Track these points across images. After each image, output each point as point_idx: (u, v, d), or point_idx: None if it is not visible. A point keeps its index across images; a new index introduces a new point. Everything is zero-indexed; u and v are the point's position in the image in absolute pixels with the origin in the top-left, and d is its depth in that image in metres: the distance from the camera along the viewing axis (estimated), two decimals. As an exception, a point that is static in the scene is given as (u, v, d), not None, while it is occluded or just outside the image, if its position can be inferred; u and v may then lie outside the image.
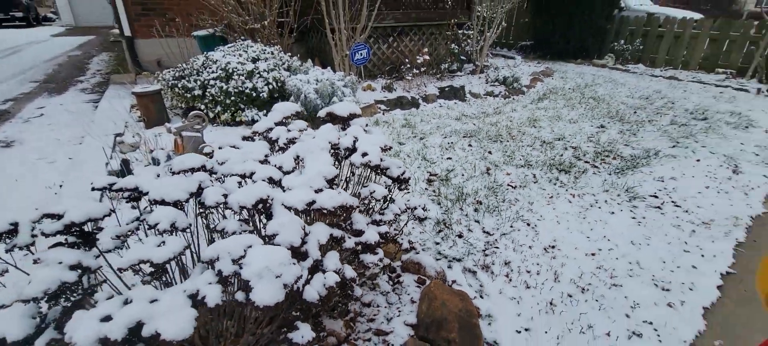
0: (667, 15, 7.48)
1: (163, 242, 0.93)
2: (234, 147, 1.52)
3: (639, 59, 7.40)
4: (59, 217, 0.95)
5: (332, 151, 1.50)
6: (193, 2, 5.73)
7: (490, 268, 1.96)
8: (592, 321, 1.67)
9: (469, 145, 3.42)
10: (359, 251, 1.38)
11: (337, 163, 1.55)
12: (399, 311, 1.67)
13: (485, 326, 1.64)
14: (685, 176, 3.00)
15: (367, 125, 1.77)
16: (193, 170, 1.22)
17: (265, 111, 3.62)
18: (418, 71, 5.26)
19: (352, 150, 1.52)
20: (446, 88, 5.02)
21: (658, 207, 2.56)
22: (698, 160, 3.29)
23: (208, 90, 3.53)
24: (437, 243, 2.10)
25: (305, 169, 1.33)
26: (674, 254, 2.11)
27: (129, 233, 1.15)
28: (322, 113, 1.76)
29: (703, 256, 2.10)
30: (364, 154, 1.47)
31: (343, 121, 1.73)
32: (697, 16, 7.51)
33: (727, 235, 2.28)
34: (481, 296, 1.79)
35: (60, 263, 0.86)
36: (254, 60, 3.72)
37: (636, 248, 2.15)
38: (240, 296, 0.92)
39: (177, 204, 1.04)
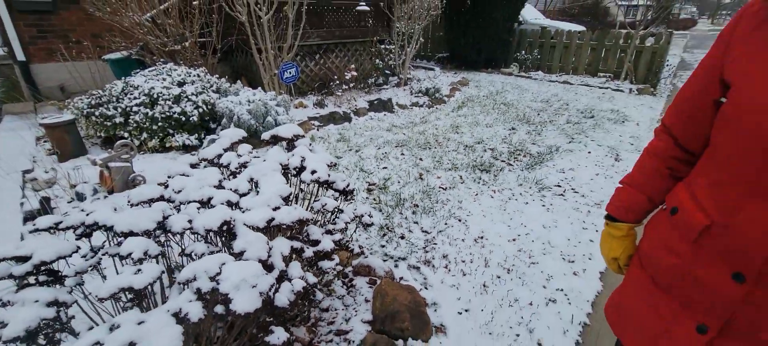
0: (557, 28, 8.65)
1: (140, 270, 1.00)
2: (184, 175, 1.57)
3: (538, 67, 8.44)
4: (26, 259, 0.95)
5: (283, 171, 1.62)
6: (101, 23, 5.34)
7: (431, 262, 2.21)
8: (518, 295, 1.98)
9: (402, 153, 3.70)
10: (317, 259, 1.52)
11: (288, 181, 1.68)
12: (355, 311, 1.83)
13: (432, 312, 1.87)
14: (580, 167, 3.57)
15: (310, 144, 1.92)
16: (152, 201, 1.27)
17: (196, 135, 3.55)
18: (347, 86, 5.47)
19: (302, 169, 1.65)
20: (375, 102, 5.30)
21: (562, 195, 3.05)
22: (589, 153, 3.93)
23: (131, 117, 3.36)
24: (383, 246, 2.30)
25: (261, 190, 1.44)
26: (576, 232, 2.55)
27: (90, 267, 1.17)
28: (266, 136, 1.86)
29: (597, 231, 2.57)
30: (313, 172, 1.62)
31: (288, 142, 1.85)
32: (581, 28, 8.80)
33: (612, 211, 2.80)
34: (426, 288, 2.02)
35: (36, 301, 0.89)
36: (180, 84, 3.63)
37: (547, 230, 2.56)
38: (219, 308, 1.02)
39: (146, 233, 1.09)
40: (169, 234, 1.20)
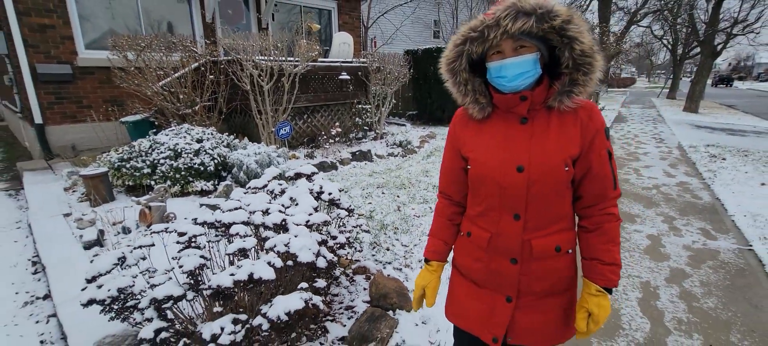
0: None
1: (244, 240, 1.74)
2: (240, 199, 2.32)
3: (495, 122, 9.73)
4: (183, 234, 1.69)
5: (310, 193, 2.41)
6: (111, 90, 6.10)
7: (410, 265, 2.98)
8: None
9: (382, 192, 4.53)
10: (337, 248, 2.28)
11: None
12: (357, 295, 2.56)
13: (411, 294, 2.61)
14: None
15: (321, 178, 2.72)
16: (234, 209, 2.02)
17: (212, 181, 4.26)
18: (332, 140, 6.37)
19: (321, 192, 2.45)
20: (357, 153, 6.20)
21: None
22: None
23: (158, 168, 4.06)
24: (374, 255, 3.06)
25: (299, 203, 2.23)
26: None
27: (216, 242, 1.89)
28: (291, 173, 2.67)
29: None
30: (330, 194, 2.42)
31: (308, 177, 2.66)
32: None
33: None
34: (407, 280, 2.78)
35: (194, 255, 1.61)
36: (199, 140, 4.40)
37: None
38: (290, 262, 1.77)
39: (243, 223, 1.85)
40: (250, 226, 1.95)
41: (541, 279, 1.12)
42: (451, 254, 1.35)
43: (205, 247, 1.86)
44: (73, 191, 4.41)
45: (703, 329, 2.45)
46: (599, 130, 1.04)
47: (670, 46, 21.82)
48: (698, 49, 17.08)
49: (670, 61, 26.20)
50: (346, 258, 2.92)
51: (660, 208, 4.54)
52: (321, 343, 2.15)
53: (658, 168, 6.37)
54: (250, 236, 1.80)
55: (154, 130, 5.26)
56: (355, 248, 2.64)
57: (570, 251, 1.13)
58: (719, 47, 15.78)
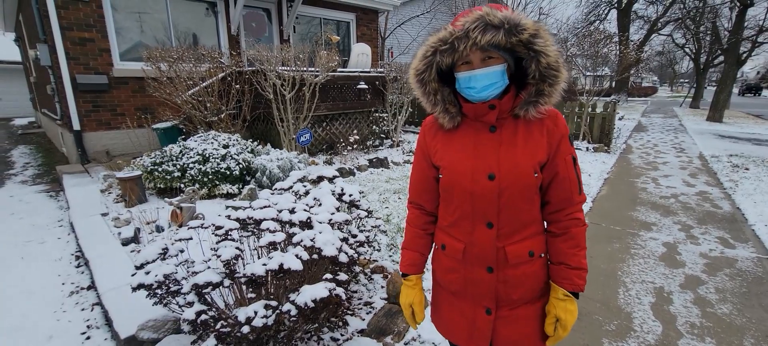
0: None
1: (274, 234, 1.91)
2: (268, 198, 2.50)
3: (511, 130, 9.77)
4: (220, 228, 1.87)
5: (332, 194, 2.57)
6: (142, 99, 6.47)
7: (427, 267, 3.09)
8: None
9: (399, 198, 4.67)
10: (358, 246, 2.42)
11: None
12: (375, 292, 2.69)
13: (427, 292, 2.73)
14: (538, 205, 4.57)
15: (343, 178, 2.89)
16: (263, 208, 2.20)
17: (237, 185, 4.49)
18: (350, 148, 6.56)
19: (342, 194, 2.61)
20: (374, 160, 6.37)
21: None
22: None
23: (188, 172, 4.31)
24: (390, 256, 3.19)
25: (322, 203, 2.39)
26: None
27: (248, 235, 2.06)
28: (314, 175, 2.84)
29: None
30: (350, 196, 2.58)
31: (330, 180, 2.82)
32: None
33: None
34: (423, 280, 2.89)
35: (230, 246, 1.79)
36: (226, 146, 4.64)
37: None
38: (315, 255, 1.92)
39: (273, 219, 2.01)
40: (278, 223, 2.12)
41: (517, 286, 1.13)
42: (431, 267, 1.34)
43: (237, 241, 2.03)
44: (109, 193, 4.70)
45: (716, 334, 2.48)
46: (564, 136, 1.08)
47: (692, 55, 21.40)
48: (722, 58, 16.71)
49: (693, 70, 25.63)
50: (365, 258, 3.06)
51: (677, 217, 4.53)
52: (341, 334, 2.29)
53: (677, 177, 6.31)
54: (279, 231, 1.97)
55: (183, 136, 5.56)
56: (374, 247, 2.78)
57: (542, 255, 1.15)
58: (744, 56, 15.43)
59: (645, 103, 26.04)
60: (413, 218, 1.31)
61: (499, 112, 1.07)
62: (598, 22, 20.64)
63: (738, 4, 13.91)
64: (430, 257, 1.34)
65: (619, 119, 13.87)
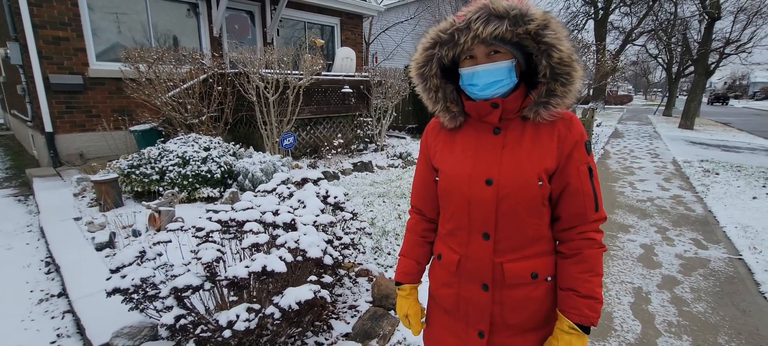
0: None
1: (257, 235, 1.86)
2: (251, 200, 2.45)
3: (494, 136, 9.91)
4: (201, 229, 1.81)
5: (317, 196, 2.54)
6: (119, 101, 6.28)
7: (410, 269, 3.08)
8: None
9: (383, 201, 4.66)
10: (343, 248, 2.39)
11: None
12: (360, 296, 2.66)
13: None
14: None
15: (328, 181, 2.85)
16: (247, 209, 2.15)
17: (218, 189, 4.39)
18: (334, 151, 6.52)
19: (327, 196, 2.58)
20: (358, 163, 6.34)
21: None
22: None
23: (167, 175, 4.19)
24: (376, 258, 3.17)
25: (307, 205, 2.35)
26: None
27: (230, 238, 2.01)
28: (298, 178, 2.80)
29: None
30: (335, 197, 2.55)
31: (314, 182, 2.79)
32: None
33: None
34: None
35: (212, 249, 1.74)
36: (206, 149, 4.54)
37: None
38: (300, 257, 1.89)
39: (256, 221, 1.97)
40: (262, 225, 2.07)
41: (516, 310, 1.01)
42: (428, 279, 1.23)
43: (219, 243, 1.97)
44: (83, 197, 4.53)
45: (693, 332, 2.55)
46: (578, 143, 0.95)
47: (665, 65, 22.26)
48: (692, 68, 17.44)
49: (665, 80, 26.63)
50: (350, 261, 3.03)
51: (653, 219, 4.66)
52: (326, 338, 2.25)
53: (652, 182, 6.52)
54: (263, 232, 1.93)
55: (162, 139, 5.41)
56: (359, 250, 2.75)
57: (549, 278, 1.02)
58: (712, 66, 16.13)
59: (621, 110, 26.86)
60: (413, 224, 1.22)
61: (504, 111, 0.97)
62: (576, 31, 21.25)
63: (706, 17, 14.56)
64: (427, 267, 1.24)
65: (597, 126, 14.25)
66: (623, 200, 5.42)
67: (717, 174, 6.99)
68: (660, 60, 23.24)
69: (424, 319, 1.26)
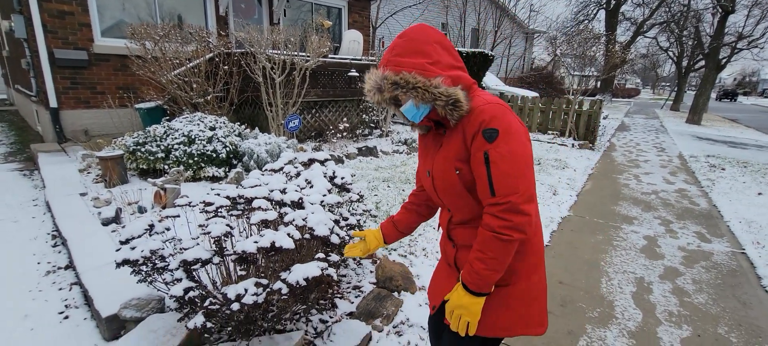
0: (514, 93, 10.23)
1: (266, 212, 1.87)
2: (258, 178, 2.45)
3: (499, 125, 9.86)
4: (210, 204, 1.82)
5: (325, 177, 2.54)
6: (124, 78, 6.26)
7: (414, 253, 3.10)
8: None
9: (388, 186, 4.66)
10: (347, 229, 2.40)
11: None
12: (364, 277, 2.68)
13: (416, 278, 2.74)
14: (524, 197, 4.64)
15: (335, 163, 2.85)
16: (254, 187, 2.15)
17: (223, 168, 4.40)
18: (339, 135, 6.51)
19: (334, 177, 2.58)
20: (363, 148, 6.33)
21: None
22: (533, 188, 5.03)
23: (172, 153, 4.20)
24: (379, 241, 3.18)
25: (314, 185, 2.35)
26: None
27: (238, 213, 2.01)
28: (305, 159, 2.80)
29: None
30: (342, 179, 2.55)
31: (321, 163, 2.78)
32: (535, 94, 10.42)
33: (549, 226, 3.82)
34: (411, 266, 2.90)
35: (221, 223, 1.74)
36: (212, 128, 4.53)
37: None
38: (307, 235, 1.89)
39: (265, 198, 1.97)
40: (270, 202, 2.08)
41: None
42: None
43: (227, 218, 1.98)
44: (88, 173, 4.55)
45: (693, 321, 2.56)
46: (477, 133, 1.07)
47: (675, 59, 21.93)
48: (703, 62, 17.19)
49: (675, 74, 26.29)
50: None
51: (658, 212, 4.65)
52: (330, 316, 2.27)
53: (657, 175, 6.49)
54: (271, 209, 1.93)
55: (167, 117, 5.41)
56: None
57: None
58: (724, 61, 15.89)
59: (628, 104, 26.60)
60: (411, 193, 1.52)
61: (421, 125, 1.23)
62: (586, 21, 20.92)
63: (720, 10, 14.29)
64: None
65: (604, 118, 14.14)
66: (628, 193, 5.40)
67: (723, 169, 6.95)
68: (670, 53, 22.89)
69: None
